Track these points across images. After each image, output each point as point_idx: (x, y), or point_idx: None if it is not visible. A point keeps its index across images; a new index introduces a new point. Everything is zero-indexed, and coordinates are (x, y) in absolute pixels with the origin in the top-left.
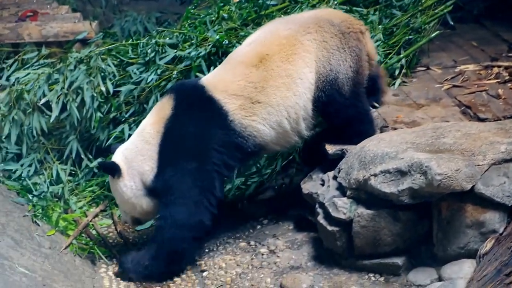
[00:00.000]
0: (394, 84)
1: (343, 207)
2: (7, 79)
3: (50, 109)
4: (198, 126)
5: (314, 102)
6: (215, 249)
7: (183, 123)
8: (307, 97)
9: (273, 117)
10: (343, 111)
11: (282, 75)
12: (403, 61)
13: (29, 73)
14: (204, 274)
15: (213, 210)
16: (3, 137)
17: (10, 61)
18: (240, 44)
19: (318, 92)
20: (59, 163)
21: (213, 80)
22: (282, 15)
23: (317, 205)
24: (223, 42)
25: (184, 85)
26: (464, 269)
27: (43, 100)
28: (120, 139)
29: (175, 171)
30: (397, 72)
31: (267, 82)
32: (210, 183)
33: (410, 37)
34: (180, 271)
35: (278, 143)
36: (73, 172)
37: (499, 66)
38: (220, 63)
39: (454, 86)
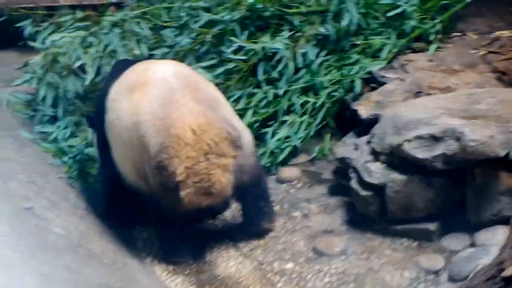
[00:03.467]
0: (429, 49)
1: (376, 172)
2: (43, 42)
3: (85, 72)
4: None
5: None
6: None
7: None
8: None
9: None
10: None
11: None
12: (439, 26)
13: (64, 36)
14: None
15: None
16: (39, 99)
17: (46, 24)
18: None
19: None
20: None
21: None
22: None
23: (350, 170)
24: (257, 6)
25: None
26: (497, 235)
27: (78, 63)
28: None
29: None
30: (432, 37)
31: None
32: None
33: (446, 1)
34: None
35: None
36: None
37: None
38: (254, 28)
39: (490, 52)
